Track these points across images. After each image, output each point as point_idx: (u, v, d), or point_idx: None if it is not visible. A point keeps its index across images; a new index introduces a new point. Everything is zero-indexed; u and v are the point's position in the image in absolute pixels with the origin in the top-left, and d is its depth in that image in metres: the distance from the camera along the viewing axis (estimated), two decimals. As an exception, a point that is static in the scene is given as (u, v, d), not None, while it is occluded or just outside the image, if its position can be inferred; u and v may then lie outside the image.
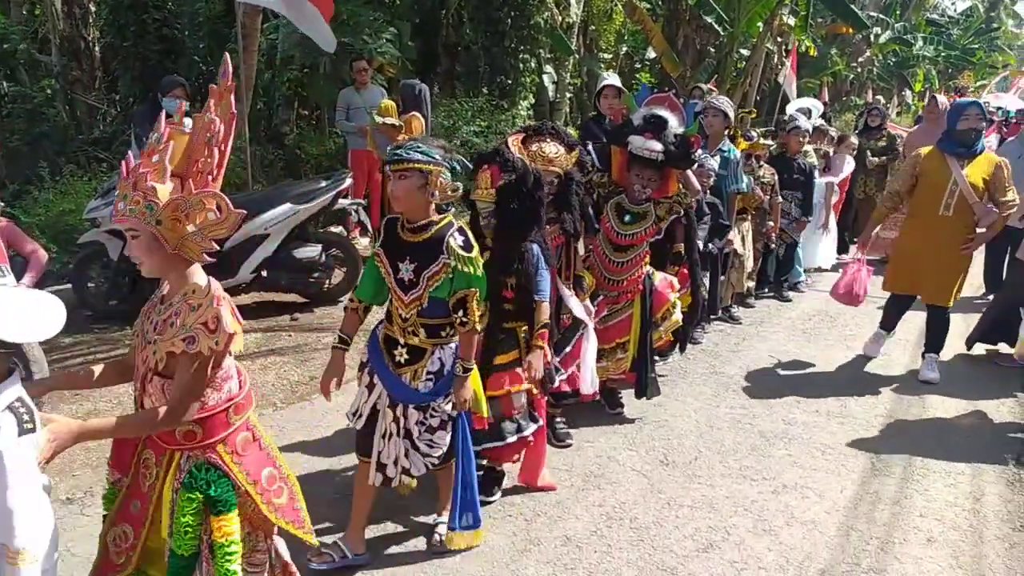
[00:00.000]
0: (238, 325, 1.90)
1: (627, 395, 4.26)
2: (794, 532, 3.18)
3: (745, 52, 16.13)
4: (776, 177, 6.22)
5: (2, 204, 4.94)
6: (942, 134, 4.82)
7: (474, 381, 2.78)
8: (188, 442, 1.96)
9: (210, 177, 1.88)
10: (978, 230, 4.72)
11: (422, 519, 3.14)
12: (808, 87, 16.86)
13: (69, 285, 5.60)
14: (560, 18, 13.04)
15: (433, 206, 2.61)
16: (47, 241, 5.76)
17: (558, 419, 3.93)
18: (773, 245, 6.54)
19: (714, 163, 5.14)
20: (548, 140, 3.36)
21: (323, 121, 11.05)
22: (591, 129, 5.20)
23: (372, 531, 3.05)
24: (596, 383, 3.75)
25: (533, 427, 3.20)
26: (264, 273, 5.72)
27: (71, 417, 3.99)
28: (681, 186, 4.03)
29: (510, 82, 11.67)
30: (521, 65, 11.76)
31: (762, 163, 6.17)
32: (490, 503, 3.28)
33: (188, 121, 6.26)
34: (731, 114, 5.43)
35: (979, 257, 5.09)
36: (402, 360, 2.68)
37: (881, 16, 23.84)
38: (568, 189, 3.32)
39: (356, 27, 9.36)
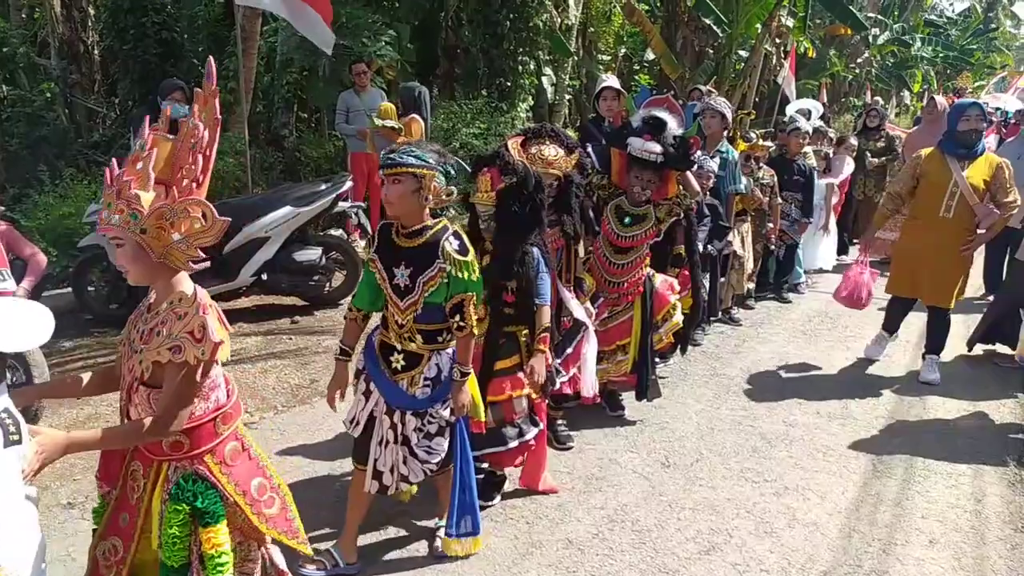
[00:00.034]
0: (225, 333, 1.88)
1: (628, 397, 4.26)
2: (796, 534, 3.18)
3: (744, 53, 16.14)
4: (775, 179, 6.22)
5: (2, 208, 4.94)
6: (943, 135, 4.81)
7: (471, 386, 2.77)
8: (175, 453, 1.94)
9: (195, 184, 1.85)
10: (979, 231, 4.71)
11: (423, 523, 3.14)
12: (807, 88, 16.86)
13: (69, 289, 5.60)
14: (559, 20, 13.04)
15: (427, 210, 2.59)
16: (47, 245, 5.75)
17: (559, 421, 3.93)
18: (773, 247, 6.54)
19: (714, 165, 5.14)
20: (547, 143, 3.36)
21: (322, 124, 11.06)
22: (590, 131, 5.20)
23: (373, 536, 3.06)
24: (596, 386, 3.75)
25: (534, 431, 3.20)
26: (264, 276, 5.72)
27: (72, 421, 4.00)
28: (681, 188, 4.03)
29: (509, 84, 11.68)
30: (520, 67, 11.77)
31: (761, 164, 6.17)
32: (490, 507, 3.27)
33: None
34: (729, 115, 5.42)
35: (979, 258, 5.09)
36: (399, 366, 2.66)
37: (879, 17, 23.88)
38: (568, 191, 3.32)
39: (355, 30, 9.36)
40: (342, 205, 6.08)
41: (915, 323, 5.32)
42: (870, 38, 22.33)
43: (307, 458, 3.72)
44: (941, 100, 7.90)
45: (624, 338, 4.03)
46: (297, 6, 6.58)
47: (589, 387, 3.67)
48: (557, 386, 3.42)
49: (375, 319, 2.87)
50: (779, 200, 6.30)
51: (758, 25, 14.83)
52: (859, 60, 23.29)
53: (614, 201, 3.97)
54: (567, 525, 3.19)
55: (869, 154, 8.32)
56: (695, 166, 4.25)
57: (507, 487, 3.41)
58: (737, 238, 5.88)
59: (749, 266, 6.21)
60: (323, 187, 5.98)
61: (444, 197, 2.57)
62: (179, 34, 9.90)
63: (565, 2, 13.05)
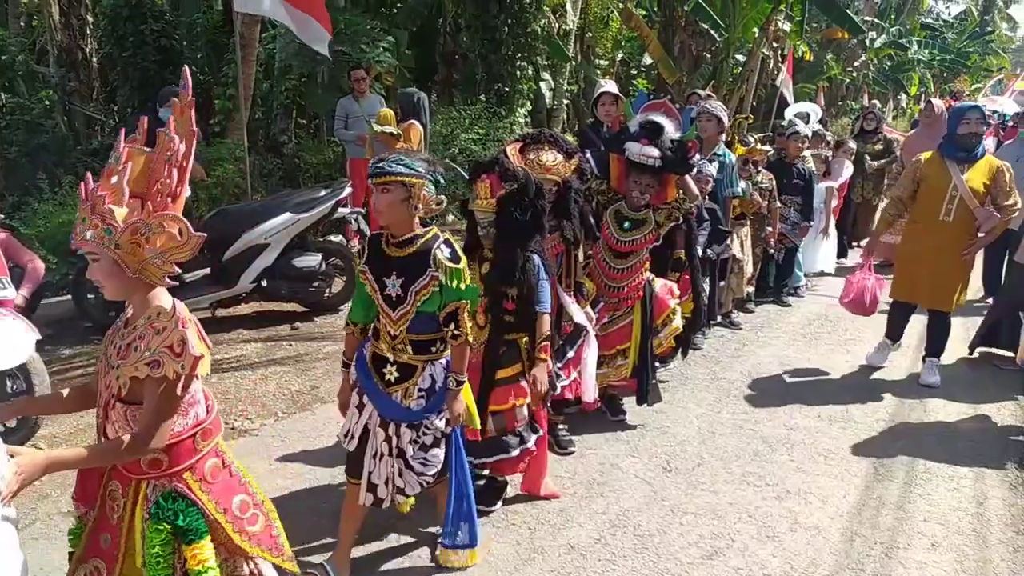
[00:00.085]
0: (205, 348, 1.85)
1: (629, 402, 4.26)
2: (798, 538, 3.17)
3: (741, 58, 16.19)
4: (774, 182, 6.22)
5: (1, 216, 4.95)
6: (943, 138, 4.80)
7: (465, 394, 2.74)
8: (154, 471, 1.90)
9: (170, 199, 1.82)
10: (979, 235, 4.70)
11: (424, 530, 3.13)
12: (804, 92, 16.90)
13: (69, 296, 5.60)
14: (557, 25, 13.09)
15: (417, 219, 2.55)
16: (46, 253, 5.76)
17: (560, 427, 3.93)
18: (772, 251, 6.54)
19: (712, 169, 5.15)
20: (546, 148, 3.36)
21: (321, 130, 11.07)
22: (589, 136, 5.20)
23: (373, 545, 3.05)
24: (596, 390, 3.74)
25: (535, 437, 3.19)
26: (264, 283, 5.72)
27: (72, 430, 4.00)
28: (680, 192, 4.03)
29: (507, 89, 11.71)
30: (518, 72, 11.80)
31: (760, 168, 6.18)
32: (491, 512, 3.27)
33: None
34: (725, 118, 5.43)
35: (978, 260, 5.09)
36: (392, 379, 2.62)
37: (876, 21, 23.96)
38: (567, 197, 3.30)
39: (354, 36, 9.39)
40: (342, 211, 6.09)
41: (915, 326, 5.32)
42: (867, 42, 22.41)
43: (308, 464, 3.72)
44: (938, 103, 7.91)
45: (624, 342, 4.03)
46: (296, 16, 6.61)
47: (590, 392, 3.66)
48: (558, 391, 3.41)
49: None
50: (778, 204, 6.31)
51: (755, 29, 14.89)
52: (856, 63, 23.36)
53: (613, 206, 3.97)
54: (569, 530, 3.19)
55: (868, 157, 8.34)
56: (694, 170, 4.26)
57: (509, 492, 3.40)
58: (736, 242, 5.88)
59: (748, 270, 6.21)
60: (323, 193, 5.99)
61: (434, 206, 2.54)
62: (178, 41, 9.92)
63: (563, 7, 13.10)
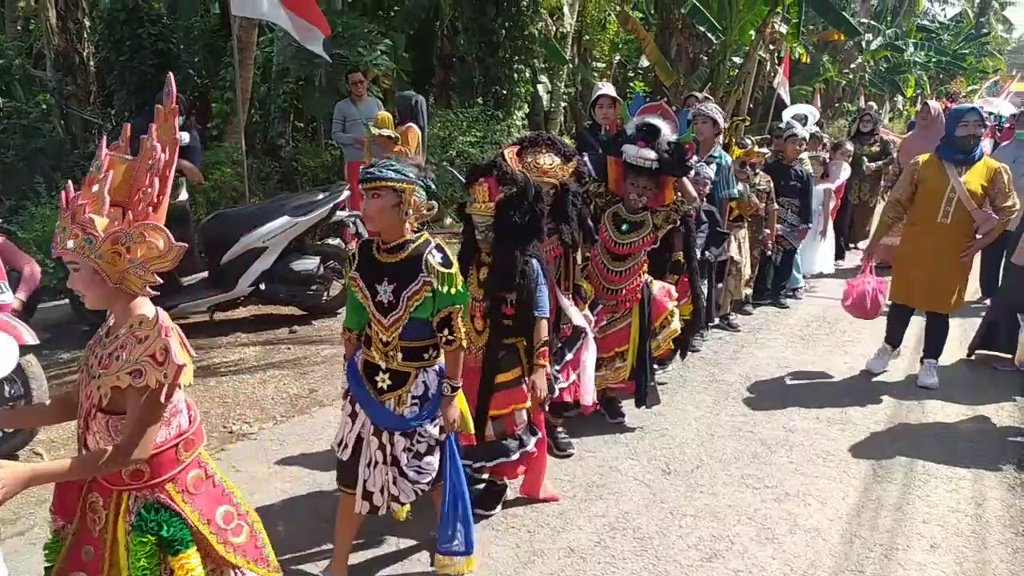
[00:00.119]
0: (188, 357, 1.82)
1: (627, 404, 4.26)
2: (797, 540, 3.18)
3: (738, 60, 16.24)
4: (772, 184, 6.24)
5: (-1, 220, 4.94)
6: (941, 140, 4.80)
7: (460, 400, 2.71)
8: (135, 482, 1.88)
9: (151, 208, 1.80)
10: (977, 236, 4.70)
11: (422, 535, 3.12)
12: (801, 94, 16.96)
13: (66, 300, 5.59)
14: (554, 28, 13.11)
15: (408, 225, 2.52)
16: (43, 257, 5.74)
17: (559, 429, 3.93)
18: (770, 252, 6.55)
19: (710, 171, 5.16)
20: (544, 151, 3.36)
21: (319, 133, 11.09)
22: (587, 139, 5.21)
23: (371, 550, 3.04)
24: (595, 393, 3.74)
25: (534, 440, 3.19)
26: (262, 286, 5.71)
27: (72, 434, 3.98)
28: (679, 195, 4.04)
29: (505, 92, 11.73)
30: (516, 75, 11.82)
31: (758, 171, 6.19)
32: (491, 516, 3.27)
33: (185, 135, 6.26)
34: (720, 120, 5.44)
35: (975, 261, 5.09)
36: (384, 386, 2.58)
37: (872, 23, 24.05)
38: (564, 200, 3.30)
39: (351, 39, 9.40)
40: (340, 214, 6.09)
41: (913, 327, 5.32)
42: (863, 44, 22.48)
43: (306, 468, 3.71)
44: (935, 105, 7.94)
45: (622, 345, 4.03)
46: (294, 19, 6.62)
47: (589, 395, 3.65)
48: (556, 394, 3.40)
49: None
50: (776, 206, 6.32)
51: (752, 32, 14.93)
52: (852, 65, 23.44)
53: (611, 208, 3.98)
54: (569, 533, 3.19)
55: (866, 159, 8.36)
56: (691, 172, 4.27)
57: (508, 495, 3.40)
58: (734, 244, 5.89)
59: (746, 272, 6.22)
60: (320, 197, 5.99)
61: (425, 211, 2.52)
62: (175, 45, 9.91)
63: (560, 10, 13.13)
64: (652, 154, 3.75)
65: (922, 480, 3.71)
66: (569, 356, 3.61)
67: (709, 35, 15.21)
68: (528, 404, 3.11)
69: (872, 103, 15.71)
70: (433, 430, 2.62)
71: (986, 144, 5.16)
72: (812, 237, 7.25)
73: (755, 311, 6.59)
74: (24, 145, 9.18)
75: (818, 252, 7.68)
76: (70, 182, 1.86)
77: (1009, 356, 5.04)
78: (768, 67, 16.54)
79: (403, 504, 2.69)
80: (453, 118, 10.82)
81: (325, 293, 6.08)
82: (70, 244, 1.76)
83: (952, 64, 28.50)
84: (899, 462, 3.89)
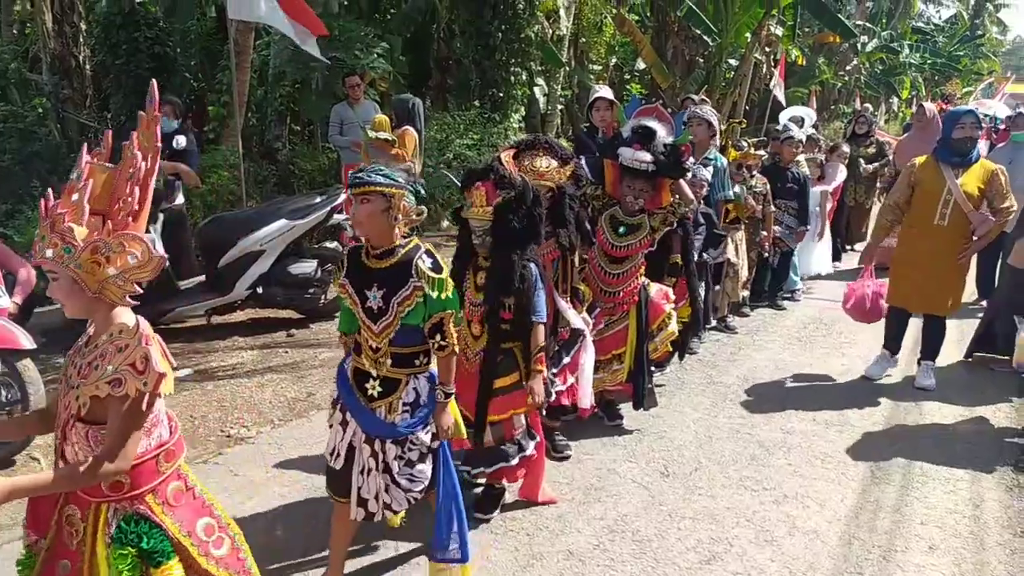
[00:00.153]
0: (168, 365, 1.81)
1: (626, 407, 4.26)
2: (796, 542, 3.18)
3: (734, 62, 16.28)
4: (768, 187, 6.25)
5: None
6: (937, 142, 4.81)
7: (452, 407, 2.69)
8: (115, 493, 1.84)
9: (130, 218, 1.79)
10: (974, 238, 4.70)
11: (423, 538, 3.12)
12: (796, 96, 17.00)
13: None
14: (551, 31, 13.13)
15: (398, 230, 2.49)
16: (40, 261, 5.73)
17: (556, 431, 3.92)
18: (767, 254, 6.56)
19: (707, 174, 5.16)
20: (541, 154, 3.34)
21: (316, 136, 11.09)
22: (584, 141, 5.21)
23: (371, 556, 3.03)
24: (593, 396, 3.73)
25: (532, 444, 3.18)
26: (260, 289, 5.71)
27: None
28: (676, 197, 4.04)
29: (501, 95, 11.75)
30: (512, 78, 11.84)
31: (754, 173, 6.20)
32: (489, 519, 3.26)
33: (181, 139, 6.22)
34: (715, 122, 5.44)
35: (971, 263, 5.10)
36: (375, 393, 2.54)
37: (868, 25, 24.11)
38: (561, 203, 3.29)
39: (348, 42, 9.41)
40: (337, 217, 6.08)
41: (911, 329, 5.33)
42: (859, 45, 22.54)
43: (305, 472, 3.70)
44: (930, 107, 7.97)
45: (620, 347, 4.03)
46: (293, 23, 6.64)
47: (587, 398, 3.65)
48: (553, 398, 3.40)
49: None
50: (772, 208, 6.33)
51: (748, 34, 14.98)
52: (848, 67, 23.50)
53: (608, 211, 3.98)
54: (567, 536, 3.18)
55: (862, 161, 8.38)
56: (688, 174, 4.27)
57: (506, 499, 3.39)
58: (731, 246, 5.89)
59: (744, 274, 6.23)
60: (318, 200, 5.98)
61: (414, 216, 2.50)
62: (172, 48, 9.92)
63: (556, 13, 13.14)
64: (648, 156, 3.75)
65: (920, 482, 3.72)
66: (566, 359, 3.60)
67: (705, 37, 15.25)
68: (526, 409, 3.11)
69: (868, 105, 15.77)
70: (425, 437, 2.59)
71: (982, 146, 5.15)
72: (810, 239, 7.27)
73: (752, 313, 6.60)
74: (20, 149, 9.18)
75: (815, 254, 7.71)
76: (50, 190, 1.85)
77: (1007, 358, 5.04)
78: (764, 69, 16.58)
79: (396, 512, 2.66)
80: (450, 121, 10.84)
81: (323, 296, 6.08)
82: (49, 253, 1.74)
83: (947, 66, 28.60)
84: (897, 463, 3.89)
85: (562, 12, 13.26)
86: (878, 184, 8.79)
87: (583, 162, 3.84)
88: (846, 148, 8.14)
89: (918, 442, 4.15)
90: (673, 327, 4.16)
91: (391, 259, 2.49)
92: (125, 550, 1.82)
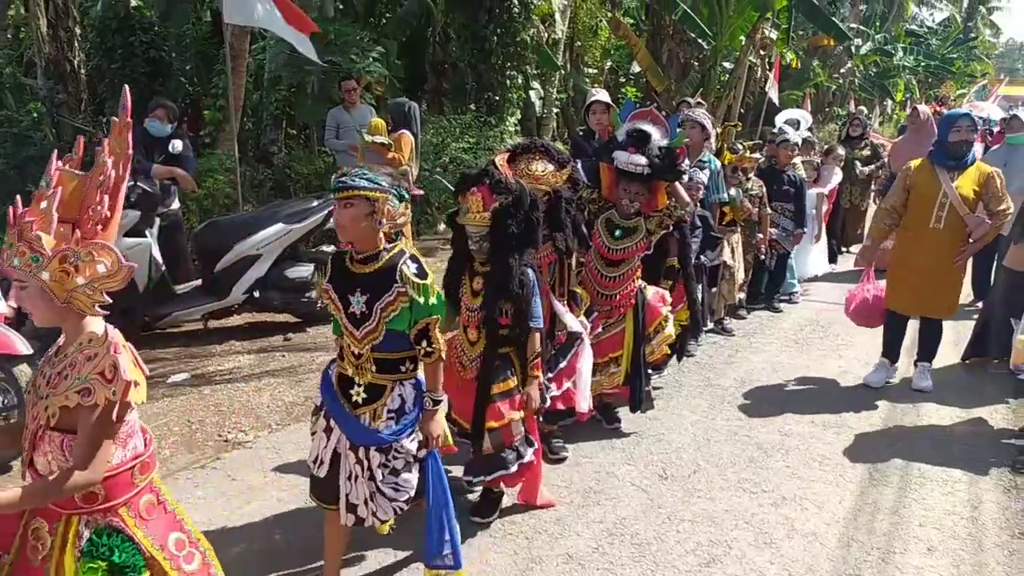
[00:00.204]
0: (140, 374, 1.79)
1: (623, 409, 4.26)
2: (795, 544, 3.18)
3: (728, 65, 16.32)
4: (764, 189, 6.26)
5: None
6: (933, 145, 4.81)
7: (441, 415, 2.66)
8: (88, 505, 1.81)
9: (100, 226, 1.78)
10: (970, 240, 4.70)
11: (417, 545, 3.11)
12: (791, 99, 17.05)
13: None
14: (546, 34, 13.16)
15: (382, 234, 2.47)
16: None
17: (554, 435, 3.92)
18: (763, 257, 6.58)
19: (703, 176, 5.17)
20: (537, 158, 3.34)
21: (312, 140, 11.08)
22: (581, 145, 5.22)
23: (367, 561, 3.02)
24: (590, 400, 3.73)
25: (531, 451, 3.17)
26: (256, 294, 5.69)
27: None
28: (672, 200, 4.05)
29: (497, 98, 11.76)
30: (508, 81, 11.86)
31: (750, 176, 6.21)
32: (488, 523, 3.26)
33: (178, 143, 6.19)
34: (709, 125, 5.45)
35: (967, 264, 5.11)
36: (360, 400, 2.51)
37: (862, 28, 24.22)
38: (558, 206, 3.29)
39: (344, 46, 9.41)
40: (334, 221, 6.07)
41: (908, 331, 5.34)
42: (853, 48, 22.63)
43: (302, 476, 3.66)
44: (924, 109, 7.99)
45: (616, 350, 4.03)
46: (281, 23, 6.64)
47: (584, 401, 3.65)
48: (548, 403, 3.38)
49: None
50: (768, 211, 6.34)
51: (742, 37, 15.02)
52: (842, 70, 23.59)
53: (604, 214, 3.98)
54: (566, 540, 3.18)
55: (858, 163, 8.40)
56: (684, 177, 4.28)
57: (505, 502, 3.39)
58: (727, 248, 5.91)
59: (740, 276, 6.24)
60: (314, 204, 5.98)
61: (399, 220, 2.48)
62: (167, 53, 9.91)
63: (552, 17, 13.17)
64: (643, 160, 3.76)
65: (918, 483, 3.72)
66: (562, 364, 3.58)
67: (700, 41, 15.30)
68: (523, 414, 3.10)
69: (862, 107, 15.82)
70: (411, 446, 2.55)
71: (977, 148, 5.16)
72: (807, 241, 7.29)
73: (749, 315, 6.61)
74: (15, 153, 9.15)
75: (811, 256, 7.73)
76: (19, 197, 1.82)
77: (1004, 360, 5.05)
78: (759, 73, 16.64)
79: (384, 521, 2.63)
80: (446, 124, 10.84)
81: (320, 300, 6.07)
82: (16, 261, 1.73)
83: (941, 68, 28.73)
84: (895, 465, 3.90)
85: (557, 16, 13.29)
86: (873, 186, 8.82)
87: (578, 165, 3.85)
88: (841, 151, 8.16)
89: (915, 444, 4.16)
90: (670, 330, 4.16)
91: (375, 264, 2.47)
92: (95, 563, 1.79)
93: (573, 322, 3.52)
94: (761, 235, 6.34)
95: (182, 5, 10.65)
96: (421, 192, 7.86)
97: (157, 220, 5.55)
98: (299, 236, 5.86)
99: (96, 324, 1.83)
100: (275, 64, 9.63)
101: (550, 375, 3.46)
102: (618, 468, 3.81)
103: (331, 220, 6.01)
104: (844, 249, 8.95)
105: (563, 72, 14.46)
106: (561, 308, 3.50)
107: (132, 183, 5.29)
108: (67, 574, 1.81)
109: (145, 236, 5.29)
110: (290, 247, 5.83)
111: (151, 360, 5.22)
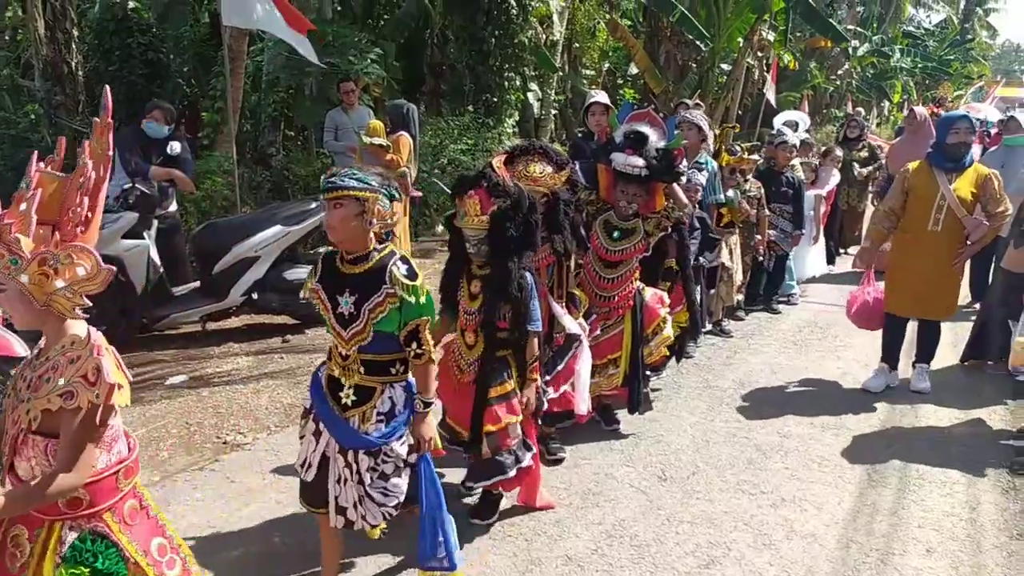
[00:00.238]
0: (123, 377, 1.77)
1: (622, 411, 4.25)
2: (794, 546, 3.18)
3: (726, 67, 16.34)
4: (762, 191, 6.26)
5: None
6: (932, 147, 4.82)
7: (432, 418, 2.64)
8: (73, 510, 1.79)
9: (79, 229, 1.76)
10: (968, 242, 4.71)
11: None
12: (788, 100, 17.08)
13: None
14: (544, 36, 13.17)
15: (373, 235, 2.46)
16: (34, 267, 5.70)
17: (552, 438, 3.91)
18: (761, 258, 6.58)
19: (702, 178, 5.18)
20: (535, 159, 3.34)
21: (310, 142, 11.07)
22: (580, 146, 5.22)
23: (365, 565, 3.02)
24: (589, 402, 3.73)
25: (529, 455, 3.17)
26: (255, 295, 5.68)
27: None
28: (670, 201, 4.05)
29: (495, 100, 11.76)
30: (506, 83, 11.86)
31: (748, 177, 6.22)
32: (487, 525, 3.26)
33: (176, 145, 6.17)
34: (705, 127, 5.45)
35: (965, 265, 5.12)
36: (349, 402, 2.50)
37: (859, 29, 24.28)
38: (556, 208, 3.28)
39: (342, 48, 9.41)
40: (332, 223, 6.05)
41: (906, 333, 5.35)
42: (850, 50, 22.67)
43: (301, 479, 3.68)
44: (921, 111, 8.01)
45: (615, 352, 4.03)
46: (279, 24, 6.64)
47: (583, 404, 3.64)
48: (545, 406, 3.37)
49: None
50: (767, 212, 6.35)
51: (740, 39, 15.05)
52: (840, 72, 23.63)
53: (602, 216, 3.98)
54: (566, 541, 3.18)
55: (856, 165, 8.42)
56: (682, 178, 4.28)
57: (504, 504, 3.38)
58: (726, 250, 5.91)
59: (738, 278, 6.24)
60: (313, 205, 5.97)
61: (389, 220, 2.47)
62: (165, 55, 9.89)
63: (550, 18, 13.18)
64: (640, 161, 3.76)
65: (916, 484, 3.73)
66: (560, 366, 3.57)
67: (698, 42, 15.30)
68: (521, 417, 3.10)
69: (860, 109, 15.84)
70: (400, 449, 2.52)
71: (975, 150, 5.16)
72: (805, 242, 7.30)
73: (748, 317, 6.62)
74: (12, 155, 9.14)
75: (809, 257, 7.74)
76: None
77: (1003, 361, 5.05)
78: (757, 74, 16.66)
79: (373, 526, 2.61)
80: (444, 126, 10.84)
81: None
82: None
83: (938, 70, 28.80)
84: (893, 466, 3.90)
85: (555, 17, 13.30)
86: (870, 188, 8.83)
87: (576, 166, 3.85)
88: (839, 152, 8.17)
89: (914, 445, 4.16)
90: (668, 331, 4.16)
91: (365, 264, 2.46)
92: (79, 569, 1.77)
93: (571, 324, 3.52)
94: (759, 236, 6.35)
95: (180, 7, 10.63)
96: (419, 194, 7.86)
97: (155, 222, 5.54)
98: (297, 238, 5.86)
99: (78, 327, 1.81)
100: (273, 66, 9.62)
101: (547, 378, 3.46)
102: (617, 470, 3.81)
103: (328, 222, 6.01)
104: (842, 250, 8.97)
105: (561, 74, 14.47)
106: (559, 310, 3.50)
107: (130, 185, 5.29)
108: None
109: (143, 238, 5.28)
110: (288, 249, 5.82)
111: (149, 362, 5.21)
